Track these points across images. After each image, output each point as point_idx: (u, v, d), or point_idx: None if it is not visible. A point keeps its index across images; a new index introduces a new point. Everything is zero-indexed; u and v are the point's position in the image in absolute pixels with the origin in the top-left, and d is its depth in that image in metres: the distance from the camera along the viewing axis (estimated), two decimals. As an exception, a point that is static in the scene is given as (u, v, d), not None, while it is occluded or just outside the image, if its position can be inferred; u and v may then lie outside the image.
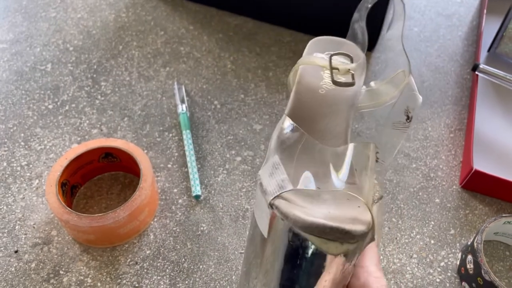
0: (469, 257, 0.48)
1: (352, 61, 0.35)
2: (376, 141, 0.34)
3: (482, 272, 0.45)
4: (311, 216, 0.25)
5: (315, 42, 0.40)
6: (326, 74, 0.36)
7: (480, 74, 0.64)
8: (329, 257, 0.26)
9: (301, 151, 0.30)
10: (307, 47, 0.39)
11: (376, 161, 0.33)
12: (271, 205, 0.27)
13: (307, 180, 0.28)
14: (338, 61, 0.35)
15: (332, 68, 0.33)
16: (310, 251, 0.26)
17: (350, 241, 0.26)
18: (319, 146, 0.31)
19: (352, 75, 0.34)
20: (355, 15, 0.39)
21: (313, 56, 0.37)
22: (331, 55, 0.34)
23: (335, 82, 0.33)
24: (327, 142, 0.32)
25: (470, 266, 0.47)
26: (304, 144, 0.30)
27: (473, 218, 0.55)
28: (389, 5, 0.75)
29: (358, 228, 0.25)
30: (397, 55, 0.38)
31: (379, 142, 0.34)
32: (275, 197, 0.27)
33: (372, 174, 0.30)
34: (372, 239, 0.27)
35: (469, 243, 0.50)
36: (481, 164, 0.57)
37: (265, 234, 0.28)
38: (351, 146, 0.30)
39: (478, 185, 0.56)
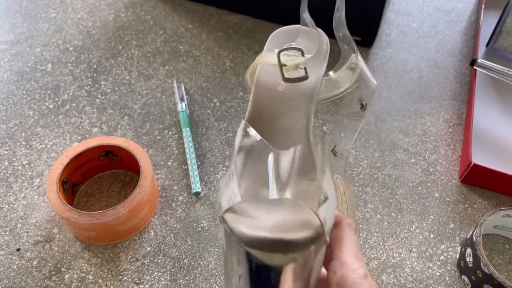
0: (468, 251, 0.48)
1: (303, 54, 0.33)
2: (334, 134, 0.34)
3: (481, 265, 0.45)
4: (254, 229, 0.25)
5: (274, 35, 0.37)
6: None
7: (478, 69, 0.64)
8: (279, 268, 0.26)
9: (263, 152, 0.30)
10: (267, 42, 0.37)
11: (335, 155, 0.33)
12: (221, 219, 0.27)
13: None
14: (287, 56, 0.33)
15: (281, 65, 0.32)
16: (259, 264, 0.26)
17: (295, 250, 0.25)
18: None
19: (305, 69, 0.33)
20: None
21: (266, 54, 0.36)
22: (279, 52, 0.32)
23: (285, 79, 0.32)
24: (287, 143, 0.31)
25: (469, 259, 0.48)
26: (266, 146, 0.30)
27: (472, 212, 0.55)
28: (387, 1, 0.75)
29: (303, 235, 0.25)
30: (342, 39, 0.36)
31: (336, 134, 0.34)
32: (225, 211, 0.27)
33: (326, 168, 0.30)
34: (325, 241, 0.27)
35: (468, 236, 0.50)
36: (479, 158, 0.57)
37: (224, 246, 0.29)
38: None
39: (477, 179, 0.56)
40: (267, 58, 0.34)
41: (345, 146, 0.33)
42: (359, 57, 0.34)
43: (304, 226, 0.26)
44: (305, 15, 0.37)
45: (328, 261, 0.29)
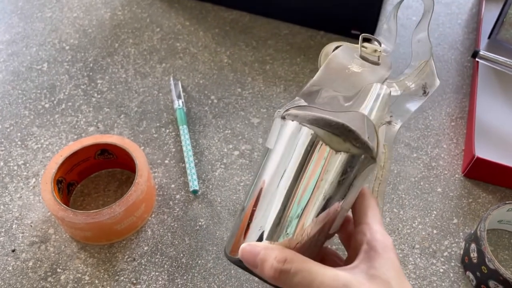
0: (473, 246, 0.47)
1: (380, 45, 0.39)
2: (392, 106, 0.37)
3: (486, 260, 0.44)
4: (321, 113, 0.30)
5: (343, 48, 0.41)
6: (356, 60, 0.38)
7: (480, 61, 0.63)
8: (331, 153, 0.29)
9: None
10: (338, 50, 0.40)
11: (389, 123, 0.36)
12: (283, 117, 0.31)
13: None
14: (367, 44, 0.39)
15: (361, 46, 0.37)
16: (315, 148, 0.29)
17: (353, 142, 0.29)
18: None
19: (378, 57, 0.37)
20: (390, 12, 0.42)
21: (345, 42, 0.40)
22: (363, 36, 0.37)
23: (362, 57, 0.36)
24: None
25: (473, 255, 0.46)
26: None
27: (476, 206, 0.54)
28: (386, -6, 0.74)
29: (363, 136, 0.29)
30: (418, 46, 0.40)
31: (394, 107, 0.37)
32: (288, 109, 0.31)
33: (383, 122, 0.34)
34: (373, 161, 0.30)
35: (472, 231, 0.49)
36: (483, 152, 0.56)
37: (271, 146, 0.32)
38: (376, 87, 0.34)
39: (480, 173, 0.55)
40: (348, 43, 0.39)
41: (398, 118, 0.37)
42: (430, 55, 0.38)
43: (364, 133, 0.29)
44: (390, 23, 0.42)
45: (354, 225, 0.32)
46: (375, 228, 0.30)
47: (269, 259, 0.27)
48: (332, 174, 0.30)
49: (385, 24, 0.42)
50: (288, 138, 0.31)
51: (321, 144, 0.29)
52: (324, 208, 0.30)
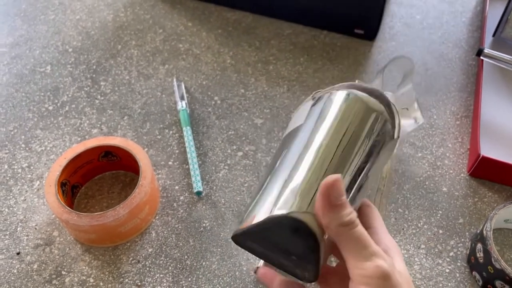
0: (479, 246, 0.46)
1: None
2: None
3: (493, 260, 0.44)
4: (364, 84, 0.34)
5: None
6: None
7: (485, 59, 0.62)
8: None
9: None
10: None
11: (392, 137, 0.37)
12: (313, 97, 0.35)
13: None
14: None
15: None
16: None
17: (385, 105, 0.33)
18: None
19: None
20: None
21: None
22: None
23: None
24: None
25: (480, 254, 0.46)
26: None
27: (482, 206, 0.53)
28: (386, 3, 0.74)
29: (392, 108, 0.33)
30: (402, 97, 0.42)
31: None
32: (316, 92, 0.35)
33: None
34: (394, 139, 0.33)
35: (478, 231, 0.48)
36: (489, 151, 0.55)
37: (302, 121, 0.34)
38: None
39: (486, 172, 0.55)
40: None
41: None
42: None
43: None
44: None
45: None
46: (382, 231, 0.31)
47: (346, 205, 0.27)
48: (366, 130, 0.31)
49: (376, 80, 0.46)
50: (322, 107, 0.33)
51: (360, 100, 0.32)
52: (358, 169, 0.31)
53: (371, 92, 0.33)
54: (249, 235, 0.30)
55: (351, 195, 0.30)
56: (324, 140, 0.31)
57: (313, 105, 0.34)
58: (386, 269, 0.26)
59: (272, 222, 0.28)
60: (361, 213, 0.33)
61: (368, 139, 0.32)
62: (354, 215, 0.27)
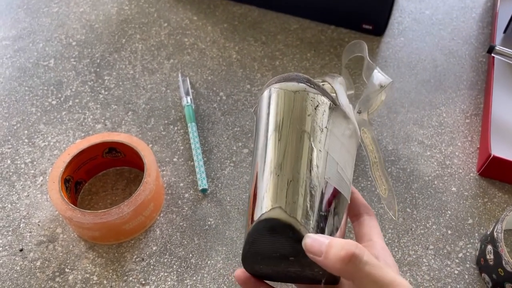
0: (489, 247, 0.45)
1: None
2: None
3: (503, 262, 0.43)
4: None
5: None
6: None
7: (496, 56, 0.61)
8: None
9: None
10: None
11: (359, 113, 0.40)
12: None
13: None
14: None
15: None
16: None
17: (307, 83, 0.33)
18: None
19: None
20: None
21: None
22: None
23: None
24: None
25: (490, 256, 0.45)
26: None
27: (492, 206, 0.53)
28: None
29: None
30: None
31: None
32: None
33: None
34: (336, 106, 0.33)
35: (488, 232, 0.47)
36: (499, 150, 0.54)
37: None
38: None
39: (496, 172, 0.54)
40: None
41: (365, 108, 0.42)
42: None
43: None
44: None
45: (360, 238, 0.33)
46: (381, 245, 0.31)
47: (336, 245, 0.26)
48: (297, 112, 0.31)
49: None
50: (258, 113, 0.34)
51: (277, 90, 0.32)
52: (311, 151, 0.30)
53: (286, 78, 0.33)
54: (249, 259, 0.30)
55: (319, 171, 0.30)
56: (269, 140, 0.31)
57: (254, 112, 0.36)
58: None
59: (253, 236, 0.28)
60: (362, 223, 0.33)
61: (302, 119, 0.31)
62: (349, 250, 0.26)
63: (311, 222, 0.28)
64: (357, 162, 0.55)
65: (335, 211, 0.30)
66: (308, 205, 0.28)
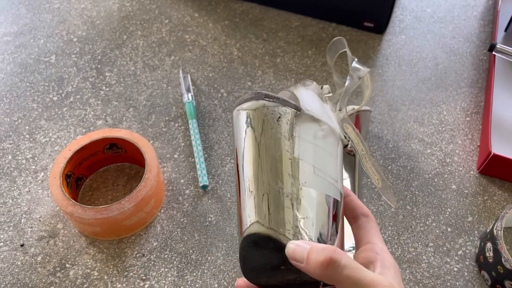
0: (489, 245, 0.46)
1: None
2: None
3: (503, 260, 0.43)
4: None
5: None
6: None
7: (497, 54, 0.61)
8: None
9: None
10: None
11: (340, 110, 0.39)
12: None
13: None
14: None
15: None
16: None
17: (266, 98, 0.33)
18: None
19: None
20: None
21: None
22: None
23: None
24: None
25: (489, 254, 0.45)
26: None
27: (492, 204, 0.53)
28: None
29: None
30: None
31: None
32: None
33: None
34: (297, 111, 0.34)
35: (488, 230, 0.47)
36: (499, 148, 0.54)
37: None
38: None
39: (496, 170, 0.54)
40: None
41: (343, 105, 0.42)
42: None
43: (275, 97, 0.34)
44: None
45: (359, 244, 0.33)
46: (381, 247, 0.31)
47: (316, 250, 0.27)
48: (260, 129, 0.32)
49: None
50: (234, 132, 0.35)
51: (247, 113, 0.33)
52: (294, 165, 0.31)
53: (246, 98, 0.34)
54: (248, 275, 0.30)
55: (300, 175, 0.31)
56: (242, 160, 0.32)
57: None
58: None
59: (242, 253, 0.30)
60: (360, 225, 0.33)
61: (267, 134, 0.32)
62: (328, 255, 0.26)
63: (290, 229, 0.28)
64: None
65: (318, 213, 0.30)
66: (285, 214, 0.29)
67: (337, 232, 0.31)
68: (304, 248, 0.27)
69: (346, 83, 0.41)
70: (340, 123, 0.38)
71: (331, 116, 0.37)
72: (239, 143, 0.34)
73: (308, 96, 0.38)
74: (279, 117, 0.33)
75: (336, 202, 0.32)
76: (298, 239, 0.28)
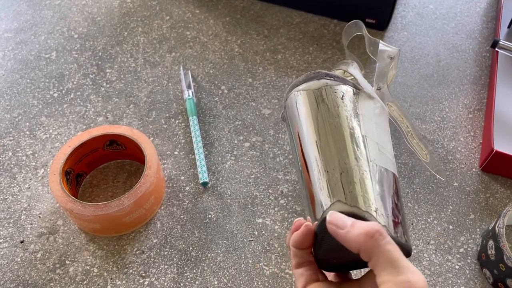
0: (490, 243, 0.45)
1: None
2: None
3: (505, 258, 0.43)
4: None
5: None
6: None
7: (500, 51, 0.60)
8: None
9: None
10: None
11: (379, 89, 0.41)
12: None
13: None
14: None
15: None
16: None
17: (327, 78, 0.35)
18: None
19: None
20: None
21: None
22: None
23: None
24: None
25: (491, 252, 0.45)
26: None
27: (494, 202, 0.52)
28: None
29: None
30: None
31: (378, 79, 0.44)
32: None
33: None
34: (358, 90, 0.35)
35: (490, 228, 0.47)
36: (502, 145, 0.54)
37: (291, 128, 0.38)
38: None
39: (499, 167, 0.53)
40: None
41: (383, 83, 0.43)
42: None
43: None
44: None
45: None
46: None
47: (361, 222, 0.27)
48: (328, 107, 0.33)
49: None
50: (288, 118, 0.36)
51: (309, 93, 0.33)
52: (355, 138, 0.31)
53: (306, 78, 0.35)
54: (322, 256, 0.30)
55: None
56: (308, 142, 0.33)
57: (283, 118, 0.38)
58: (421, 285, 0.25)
59: (320, 234, 0.29)
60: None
61: (334, 113, 0.33)
62: (374, 227, 0.26)
63: (371, 206, 0.29)
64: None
65: (388, 189, 0.31)
66: (365, 191, 0.29)
67: (402, 207, 0.32)
68: (347, 218, 0.27)
69: (378, 63, 0.41)
70: (383, 101, 0.38)
71: (375, 94, 0.37)
72: (302, 124, 0.33)
73: (359, 74, 0.39)
74: (343, 96, 0.33)
75: (395, 178, 0.32)
76: (378, 215, 0.28)
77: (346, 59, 0.47)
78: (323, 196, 0.30)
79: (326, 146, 0.31)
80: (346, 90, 0.34)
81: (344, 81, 0.34)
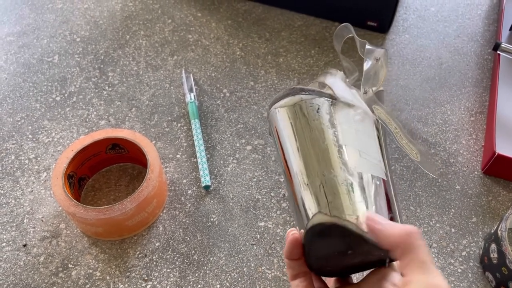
0: (493, 246, 0.45)
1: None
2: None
3: (507, 261, 0.43)
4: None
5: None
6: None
7: (502, 54, 0.60)
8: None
9: None
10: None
11: (365, 93, 0.40)
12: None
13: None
14: None
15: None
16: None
17: (302, 93, 0.35)
18: None
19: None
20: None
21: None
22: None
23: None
24: None
25: (493, 255, 0.45)
26: None
27: (496, 205, 0.52)
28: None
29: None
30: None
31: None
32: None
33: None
34: (334, 100, 0.35)
35: (492, 231, 0.47)
36: (504, 148, 0.54)
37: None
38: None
39: (501, 170, 0.53)
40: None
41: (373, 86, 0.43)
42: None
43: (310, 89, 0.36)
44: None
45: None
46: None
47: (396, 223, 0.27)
48: (306, 121, 0.33)
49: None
50: (273, 132, 0.37)
51: (286, 110, 0.34)
52: (342, 152, 0.32)
53: (283, 95, 0.36)
54: (314, 265, 0.31)
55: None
56: (290, 156, 0.33)
57: (269, 133, 0.39)
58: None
59: (308, 245, 0.30)
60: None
61: (311, 126, 0.33)
62: (412, 228, 0.26)
63: (352, 214, 0.29)
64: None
65: (374, 194, 0.31)
66: (344, 200, 0.29)
67: (391, 211, 0.32)
68: (383, 218, 0.28)
69: (364, 66, 0.42)
70: (369, 105, 0.39)
71: (360, 100, 0.38)
72: (284, 140, 0.34)
73: (338, 84, 0.39)
74: (318, 108, 0.34)
75: (384, 181, 0.33)
76: (359, 223, 0.28)
77: (331, 68, 0.48)
78: (306, 208, 0.31)
79: (306, 159, 0.32)
80: (322, 103, 0.34)
81: (320, 94, 0.35)
